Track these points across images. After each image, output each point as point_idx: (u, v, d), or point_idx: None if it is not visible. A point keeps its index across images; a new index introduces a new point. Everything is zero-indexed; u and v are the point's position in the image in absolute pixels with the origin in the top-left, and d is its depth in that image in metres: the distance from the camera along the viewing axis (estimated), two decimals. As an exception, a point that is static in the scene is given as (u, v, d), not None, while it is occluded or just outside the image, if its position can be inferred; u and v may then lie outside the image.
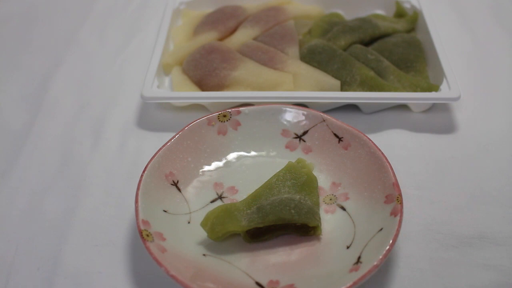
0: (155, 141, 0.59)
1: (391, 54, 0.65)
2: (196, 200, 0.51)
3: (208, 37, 0.69)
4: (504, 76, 0.67)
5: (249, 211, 0.47)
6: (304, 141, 0.55)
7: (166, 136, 0.56)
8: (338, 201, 0.50)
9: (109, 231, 0.51)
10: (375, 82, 0.61)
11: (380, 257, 0.42)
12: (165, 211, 0.48)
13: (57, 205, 0.53)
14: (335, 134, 0.53)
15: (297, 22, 0.71)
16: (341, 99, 0.59)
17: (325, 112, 0.61)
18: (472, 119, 0.61)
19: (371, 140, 0.51)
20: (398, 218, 0.44)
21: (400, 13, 0.73)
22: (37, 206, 0.53)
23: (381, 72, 0.63)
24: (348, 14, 0.75)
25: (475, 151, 0.57)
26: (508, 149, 0.58)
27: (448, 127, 0.60)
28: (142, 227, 0.44)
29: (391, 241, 0.43)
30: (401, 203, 0.45)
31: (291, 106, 0.55)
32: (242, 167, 0.54)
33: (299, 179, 0.50)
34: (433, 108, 0.62)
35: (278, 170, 0.51)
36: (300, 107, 0.55)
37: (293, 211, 0.46)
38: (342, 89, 0.62)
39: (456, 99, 0.58)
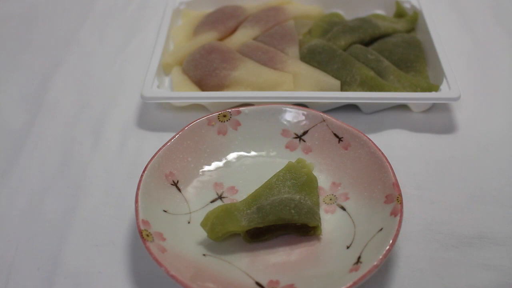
0: (155, 141, 0.59)
1: (391, 54, 0.65)
2: (196, 200, 0.51)
3: (208, 37, 0.69)
4: (504, 76, 0.67)
5: (249, 211, 0.47)
6: (304, 141, 0.55)
7: (166, 136, 0.56)
8: (338, 201, 0.50)
9: (109, 231, 0.51)
10: (375, 82, 0.61)
11: (380, 257, 0.42)
12: (165, 211, 0.48)
13: (57, 205, 0.53)
14: (335, 134, 0.53)
15: (297, 22, 0.71)
16: (341, 99, 0.59)
17: (325, 112, 0.61)
18: (472, 119, 0.61)
19: (371, 140, 0.51)
20: (398, 218, 0.44)
21: (400, 13, 0.73)
22: (37, 206, 0.53)
23: (381, 72, 0.63)
24: (348, 14, 0.75)
25: (475, 151, 0.57)
26: (508, 149, 0.58)
27: (448, 127, 0.60)
28: (142, 227, 0.44)
29: (391, 241, 0.43)
30: (401, 203, 0.45)
31: (291, 106, 0.55)
32: (242, 167, 0.54)
33: (299, 179, 0.50)
34: (433, 108, 0.62)
35: (278, 170, 0.51)
36: (300, 107, 0.55)
37: (293, 211, 0.46)
38: (342, 89, 0.62)
39: (456, 99, 0.58)
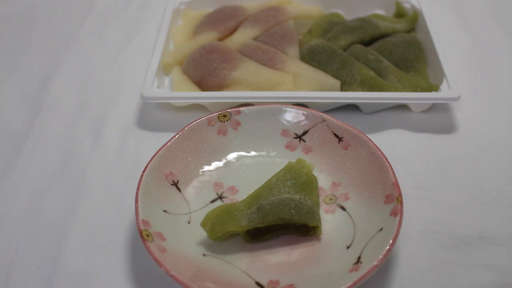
0: (155, 141, 0.59)
1: (391, 54, 0.65)
2: (196, 200, 0.51)
3: (208, 37, 0.69)
4: (504, 76, 0.67)
5: (249, 211, 0.47)
6: (304, 141, 0.55)
7: (166, 136, 0.56)
8: (338, 201, 0.50)
9: (109, 231, 0.51)
10: (375, 82, 0.61)
11: (380, 257, 0.42)
12: (165, 211, 0.48)
13: (57, 205, 0.53)
14: (335, 134, 0.53)
15: (297, 22, 0.71)
16: (341, 99, 0.59)
17: (325, 112, 0.61)
18: (472, 119, 0.61)
19: (371, 140, 0.51)
20: (398, 218, 0.44)
21: (400, 13, 0.73)
22: (37, 206, 0.53)
23: (381, 72, 0.63)
24: (348, 14, 0.75)
25: (475, 151, 0.57)
26: (508, 149, 0.58)
27: (448, 127, 0.60)
28: (142, 227, 0.44)
29: (391, 241, 0.43)
30: (401, 203, 0.45)
31: (291, 106, 0.55)
32: (242, 167, 0.54)
33: (299, 179, 0.50)
34: (433, 108, 0.62)
35: (278, 170, 0.51)
36: (300, 107, 0.55)
37: (293, 211, 0.46)
38: (342, 89, 0.62)
39: (456, 99, 0.58)
